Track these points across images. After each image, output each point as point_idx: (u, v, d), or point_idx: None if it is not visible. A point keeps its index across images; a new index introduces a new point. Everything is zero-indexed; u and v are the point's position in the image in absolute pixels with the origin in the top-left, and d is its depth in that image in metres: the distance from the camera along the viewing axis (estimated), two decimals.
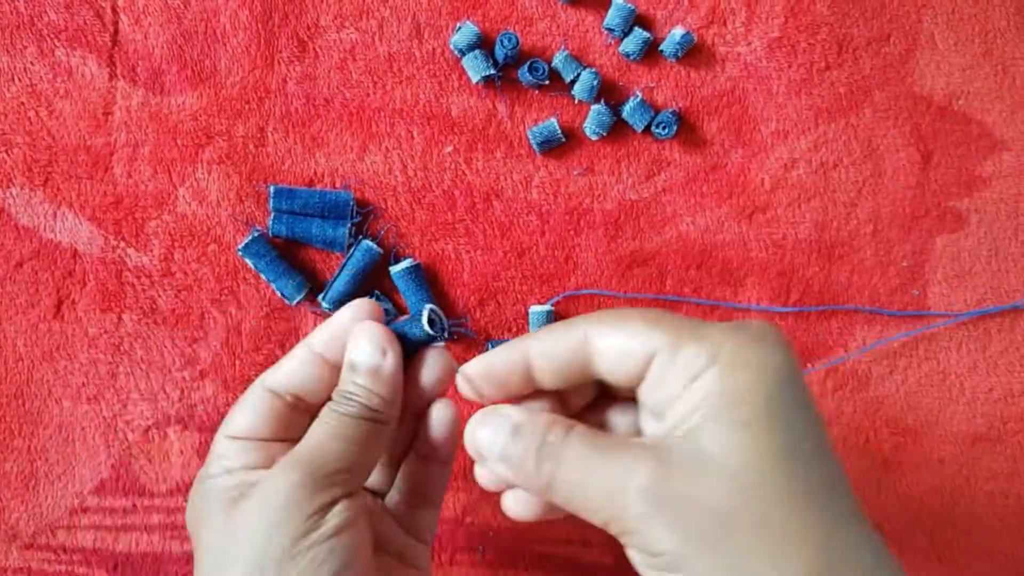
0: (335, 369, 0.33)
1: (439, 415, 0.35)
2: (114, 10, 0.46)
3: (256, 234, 0.44)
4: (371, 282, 0.46)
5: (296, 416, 0.34)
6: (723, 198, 0.48)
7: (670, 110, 0.47)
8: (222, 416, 0.43)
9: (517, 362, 0.31)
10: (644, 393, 0.29)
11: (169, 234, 0.45)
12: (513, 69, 0.47)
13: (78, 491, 0.44)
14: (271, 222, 0.45)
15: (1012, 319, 0.49)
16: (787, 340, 0.28)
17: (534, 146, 0.47)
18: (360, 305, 0.34)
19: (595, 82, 0.46)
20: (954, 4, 0.50)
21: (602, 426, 0.33)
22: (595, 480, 0.27)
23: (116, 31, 0.46)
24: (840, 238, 0.48)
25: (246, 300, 0.45)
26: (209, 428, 0.45)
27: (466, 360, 0.32)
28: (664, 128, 0.47)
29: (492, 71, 0.46)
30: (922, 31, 0.49)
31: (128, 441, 0.44)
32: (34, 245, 0.45)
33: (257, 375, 0.34)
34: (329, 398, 0.33)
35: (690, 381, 0.27)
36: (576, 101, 0.47)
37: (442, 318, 0.33)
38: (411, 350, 0.34)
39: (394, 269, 0.45)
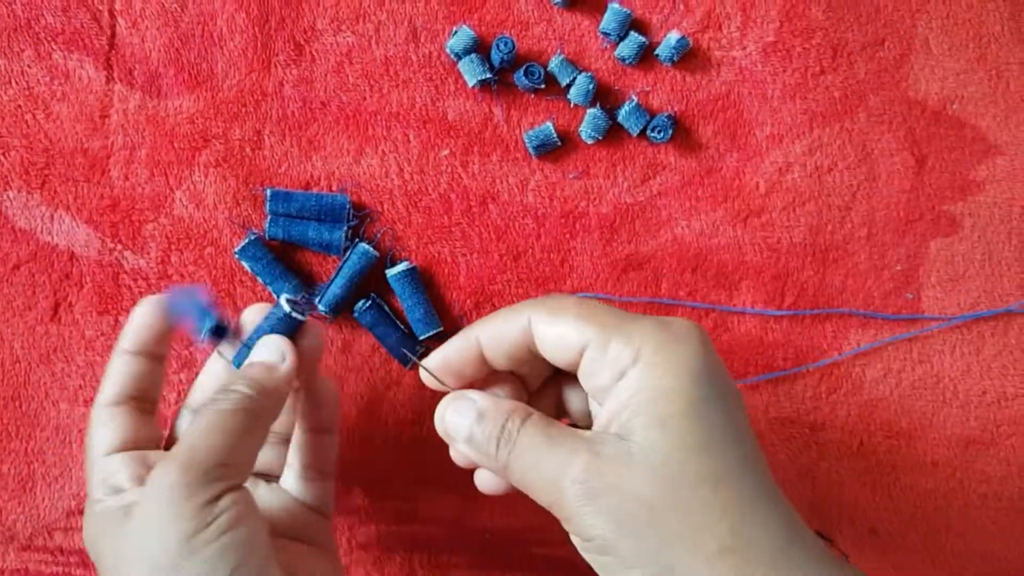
0: (159, 362, 0.36)
1: (325, 388, 0.39)
2: (111, 13, 0.46)
3: (253, 237, 0.45)
4: (367, 285, 0.46)
5: (151, 420, 0.36)
6: (718, 202, 0.48)
7: (665, 114, 0.47)
8: None
9: (470, 350, 0.34)
10: (581, 379, 0.32)
11: (166, 237, 0.45)
12: (509, 73, 0.47)
13: (75, 493, 0.44)
14: (268, 225, 0.45)
15: (1005, 323, 0.49)
16: (706, 338, 0.31)
17: (530, 150, 0.47)
18: (148, 302, 0.36)
19: (591, 86, 0.46)
20: (948, 9, 0.50)
21: (559, 402, 0.37)
22: (542, 467, 0.30)
23: (113, 34, 0.46)
24: (834, 242, 0.48)
25: (243, 303, 0.45)
26: None
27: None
28: (659, 132, 0.47)
29: (488, 75, 0.46)
30: (916, 36, 0.50)
31: None
32: (31, 248, 0.45)
33: None
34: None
35: (617, 377, 0.30)
36: (572, 105, 0.47)
37: (301, 301, 0.36)
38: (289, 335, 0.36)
39: (390, 272, 0.45)
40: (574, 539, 0.30)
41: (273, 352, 0.34)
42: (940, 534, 0.48)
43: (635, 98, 0.47)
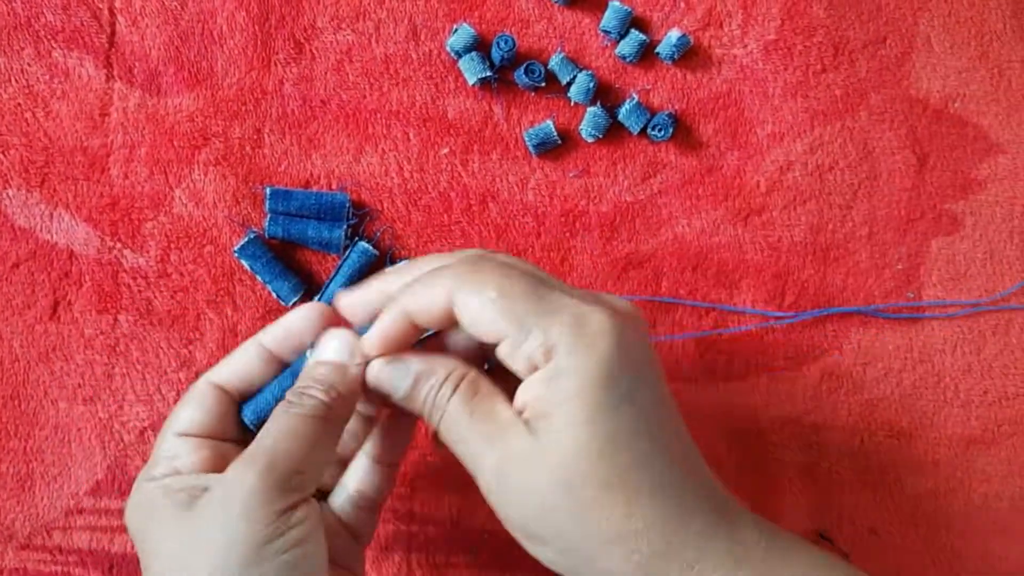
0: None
1: (406, 425, 0.37)
2: (111, 11, 0.46)
3: (252, 236, 0.44)
4: None
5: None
6: (719, 200, 0.48)
7: (666, 112, 0.47)
8: None
9: (403, 321, 0.32)
10: (500, 358, 0.31)
11: (165, 235, 0.45)
12: (509, 71, 0.47)
13: (74, 492, 0.44)
14: (267, 224, 0.45)
15: (1007, 322, 0.49)
16: (623, 336, 0.30)
17: (530, 148, 0.47)
18: (313, 307, 0.35)
19: (591, 84, 0.46)
20: (950, 7, 0.50)
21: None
22: (462, 446, 0.31)
23: (113, 32, 0.46)
24: (835, 240, 0.48)
25: (242, 302, 0.45)
26: None
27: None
28: (660, 130, 0.47)
29: (488, 73, 0.46)
30: (918, 34, 0.49)
31: (124, 442, 0.44)
32: (30, 246, 0.45)
33: None
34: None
35: (531, 370, 0.30)
36: (572, 103, 0.47)
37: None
38: None
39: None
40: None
41: (342, 350, 0.33)
42: (940, 534, 0.48)
43: (636, 96, 0.47)
